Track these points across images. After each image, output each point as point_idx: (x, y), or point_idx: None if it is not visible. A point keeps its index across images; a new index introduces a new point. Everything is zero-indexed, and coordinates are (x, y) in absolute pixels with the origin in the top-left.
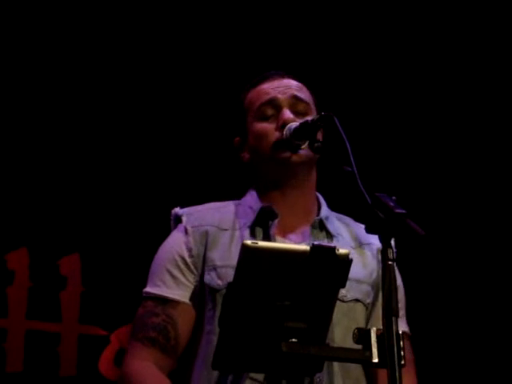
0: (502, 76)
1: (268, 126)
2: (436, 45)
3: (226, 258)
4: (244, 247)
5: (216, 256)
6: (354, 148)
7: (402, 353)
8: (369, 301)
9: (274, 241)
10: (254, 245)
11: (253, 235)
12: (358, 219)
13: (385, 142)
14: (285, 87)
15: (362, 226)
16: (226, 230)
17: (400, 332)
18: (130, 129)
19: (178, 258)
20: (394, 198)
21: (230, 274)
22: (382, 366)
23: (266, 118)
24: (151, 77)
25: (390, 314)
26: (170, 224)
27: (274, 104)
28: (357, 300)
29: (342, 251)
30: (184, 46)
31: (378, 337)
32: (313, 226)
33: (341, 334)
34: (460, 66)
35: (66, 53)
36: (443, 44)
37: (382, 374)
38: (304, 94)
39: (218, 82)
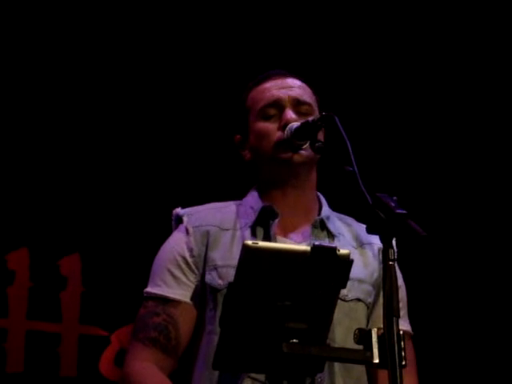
0: (502, 76)
1: (270, 126)
2: (436, 45)
3: (227, 257)
4: (245, 247)
5: (217, 256)
6: (354, 148)
7: (403, 353)
8: (370, 300)
9: (275, 240)
10: (254, 245)
11: (254, 235)
12: (359, 219)
13: (386, 141)
14: (288, 87)
15: (364, 226)
16: (227, 229)
17: (401, 332)
18: (130, 129)
19: (179, 258)
20: (394, 198)
21: (231, 274)
22: (383, 366)
23: (268, 118)
24: (151, 77)
25: (390, 314)
26: (171, 224)
27: (277, 104)
28: (358, 300)
29: (342, 251)
30: (184, 46)
31: (378, 337)
32: (314, 226)
33: (342, 334)
34: (460, 66)
35: (66, 53)
36: (443, 44)
37: (383, 374)
38: (307, 94)
39: (218, 82)
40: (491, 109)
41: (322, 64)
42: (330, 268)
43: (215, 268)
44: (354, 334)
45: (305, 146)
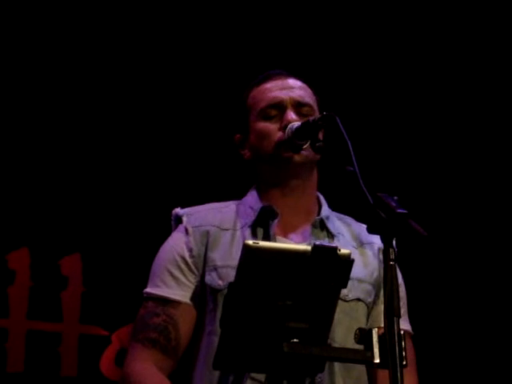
0: (502, 76)
1: (271, 126)
2: (437, 45)
3: (226, 258)
4: (245, 247)
5: (217, 256)
6: (355, 148)
7: (404, 353)
8: (370, 300)
9: (275, 240)
10: (255, 245)
11: (253, 235)
12: (359, 219)
13: (387, 141)
14: (289, 88)
15: (363, 226)
16: (227, 230)
17: (402, 332)
18: (131, 129)
19: (179, 259)
20: (395, 198)
21: (230, 274)
22: (384, 366)
23: (269, 118)
24: (151, 77)
25: (391, 314)
26: (171, 224)
27: (279, 105)
28: (358, 299)
29: (343, 251)
30: (184, 46)
31: (379, 337)
32: (313, 226)
33: (342, 334)
34: (461, 66)
35: (66, 53)
36: (444, 44)
37: (383, 374)
38: (308, 95)
39: (218, 82)
40: (491, 109)
41: (322, 64)
42: (331, 268)
43: (215, 268)
44: (355, 334)
45: (305, 146)
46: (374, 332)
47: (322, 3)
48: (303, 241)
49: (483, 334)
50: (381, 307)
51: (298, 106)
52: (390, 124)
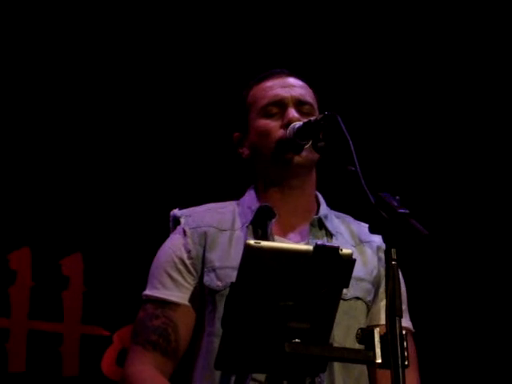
0: (502, 76)
1: (272, 124)
2: (437, 45)
3: (225, 258)
4: (247, 247)
5: (215, 257)
6: (357, 147)
7: (406, 353)
8: (369, 298)
9: (273, 240)
10: (256, 245)
11: (251, 235)
12: (361, 219)
13: (388, 141)
14: (290, 86)
15: (362, 224)
16: (225, 230)
17: (403, 330)
18: (130, 129)
19: (177, 260)
20: (397, 197)
21: (229, 275)
22: (386, 366)
23: (270, 116)
24: (150, 77)
25: (393, 314)
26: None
27: (280, 103)
28: (357, 298)
29: (345, 251)
30: (183, 46)
31: (381, 337)
32: (312, 225)
33: (341, 333)
34: (461, 66)
35: (66, 53)
36: (444, 44)
37: (383, 373)
38: (308, 94)
39: (217, 82)
40: (492, 109)
41: (322, 64)
42: (333, 267)
43: (213, 269)
44: (357, 334)
45: (307, 146)
46: (376, 332)
47: (321, 3)
48: (302, 240)
49: (484, 333)
50: (380, 305)
51: (299, 104)
52: (392, 124)
